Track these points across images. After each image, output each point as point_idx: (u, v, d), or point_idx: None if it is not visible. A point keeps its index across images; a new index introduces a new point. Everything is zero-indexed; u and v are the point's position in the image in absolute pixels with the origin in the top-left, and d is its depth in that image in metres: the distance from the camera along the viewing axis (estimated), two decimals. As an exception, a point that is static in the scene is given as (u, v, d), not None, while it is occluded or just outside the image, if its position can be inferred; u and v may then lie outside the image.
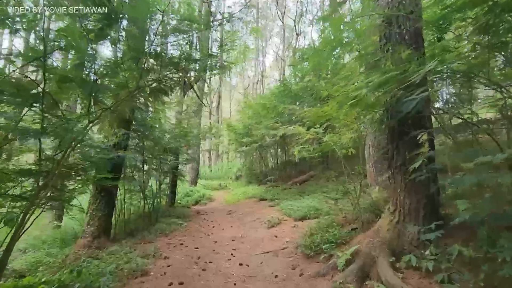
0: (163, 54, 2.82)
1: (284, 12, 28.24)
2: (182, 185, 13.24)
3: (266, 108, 11.75)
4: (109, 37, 2.43)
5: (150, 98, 2.93)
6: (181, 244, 5.17)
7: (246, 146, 12.17)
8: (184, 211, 8.57)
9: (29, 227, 2.48)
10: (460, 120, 4.07)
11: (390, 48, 3.50)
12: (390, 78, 2.40)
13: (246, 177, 15.51)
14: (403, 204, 3.31)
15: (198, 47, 3.27)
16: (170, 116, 10.58)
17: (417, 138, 3.22)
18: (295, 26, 27.23)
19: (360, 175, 5.02)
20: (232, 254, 4.47)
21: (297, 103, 9.50)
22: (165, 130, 7.44)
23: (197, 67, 3.21)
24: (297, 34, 26.91)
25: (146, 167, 7.06)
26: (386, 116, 3.65)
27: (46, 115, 2.15)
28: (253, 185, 13.08)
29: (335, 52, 9.49)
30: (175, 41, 2.86)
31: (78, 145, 2.72)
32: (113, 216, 5.44)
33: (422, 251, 2.98)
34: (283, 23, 28.85)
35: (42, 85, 2.52)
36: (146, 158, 6.67)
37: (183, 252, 4.70)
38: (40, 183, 2.43)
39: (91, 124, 2.40)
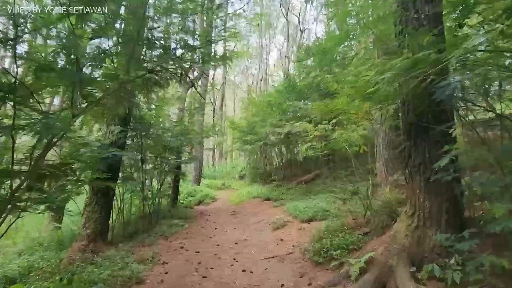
0: (155, 40, 2.54)
1: (288, 9, 27.87)
2: (185, 184, 13.03)
3: (270, 105, 11.45)
4: (93, 20, 2.16)
5: (143, 91, 2.66)
6: (182, 247, 4.91)
7: (250, 145, 11.88)
8: (187, 212, 8.33)
9: (4, 233, 2.23)
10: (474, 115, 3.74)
11: (406, 35, 3.18)
12: (420, 59, 2.06)
13: (250, 177, 15.22)
14: (422, 207, 2.99)
15: (198, 37, 2.97)
16: (171, 113, 10.35)
17: (440, 133, 2.92)
18: (299, 22, 26.84)
19: (372, 175, 4.70)
20: (235, 259, 4.20)
21: (302, 100, 9.17)
22: (166, 128, 7.18)
23: (196, 57, 2.91)
24: (301, 31, 26.50)
25: (146, 167, 6.82)
26: (403, 110, 3.33)
27: (19, 108, 1.90)
28: (257, 184, 12.79)
29: (342, 46, 9.16)
30: (167, 24, 2.56)
31: (60, 142, 2.47)
32: (111, 218, 5.20)
33: (446, 260, 2.66)
34: (287, 20, 28.47)
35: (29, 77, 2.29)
36: (146, 157, 6.42)
37: (183, 256, 4.43)
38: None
39: (74, 119, 2.14)
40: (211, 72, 25.84)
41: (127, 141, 5.97)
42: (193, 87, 8.22)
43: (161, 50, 2.55)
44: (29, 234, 6.75)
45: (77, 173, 3.31)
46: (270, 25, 32.35)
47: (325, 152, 4.30)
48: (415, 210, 3.05)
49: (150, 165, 7.04)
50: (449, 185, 2.82)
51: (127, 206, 6.48)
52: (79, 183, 3.27)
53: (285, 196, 8.63)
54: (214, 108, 27.97)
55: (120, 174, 6.23)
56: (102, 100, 2.27)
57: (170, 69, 2.66)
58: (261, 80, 32.63)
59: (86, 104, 2.21)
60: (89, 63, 2.20)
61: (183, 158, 8.76)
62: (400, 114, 3.45)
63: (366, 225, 3.96)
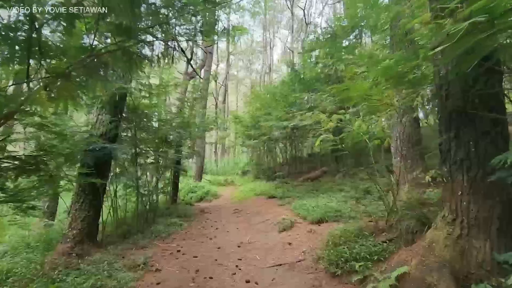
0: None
1: (293, 1, 27.10)
2: (186, 180, 12.59)
3: (275, 99, 10.92)
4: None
5: (125, 66, 2.14)
6: (178, 251, 4.42)
7: (253, 140, 11.37)
8: (187, 209, 7.86)
9: None
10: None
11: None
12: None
13: (253, 173, 14.76)
14: (466, 212, 2.46)
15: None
16: (171, 104, 9.84)
17: (490, 123, 2.39)
18: (304, 15, 26.11)
19: (391, 172, 4.17)
20: (237, 267, 3.70)
21: (310, 93, 8.62)
22: (164, 120, 6.68)
23: (189, 25, 2.37)
24: (307, 24, 25.74)
25: (143, 161, 6.34)
26: (440, 95, 2.78)
27: None
28: (261, 181, 12.33)
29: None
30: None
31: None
32: (100, 217, 4.71)
33: (502, 279, 2.13)
34: (292, 13, 27.75)
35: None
36: (141, 151, 5.92)
37: (180, 262, 3.95)
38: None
39: (28, 93, 1.64)
40: (213, 67, 25.28)
41: (120, 133, 5.50)
42: (193, 76, 7.66)
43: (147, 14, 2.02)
44: (18, 232, 6.32)
45: (55, 167, 2.82)
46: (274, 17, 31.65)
47: (341, 145, 3.74)
48: (457, 215, 2.52)
49: (147, 160, 6.56)
50: (503, 185, 2.28)
51: (123, 203, 6.01)
52: (52, 179, 2.77)
53: (290, 194, 8.13)
54: (216, 103, 27.49)
55: (115, 169, 5.77)
56: (68, 74, 1.76)
57: (158, 37, 2.13)
58: (265, 74, 32.03)
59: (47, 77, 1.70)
60: (54, 24, 1.69)
61: (183, 153, 8.27)
62: (436, 100, 2.90)
63: (390, 230, 3.42)
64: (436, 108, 2.93)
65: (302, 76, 9.27)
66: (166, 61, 2.60)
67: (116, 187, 5.40)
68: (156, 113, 6.14)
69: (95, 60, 1.97)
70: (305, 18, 26.19)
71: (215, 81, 24.67)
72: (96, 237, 4.56)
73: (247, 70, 39.04)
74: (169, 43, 2.30)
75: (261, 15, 30.89)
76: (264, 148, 13.65)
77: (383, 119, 3.71)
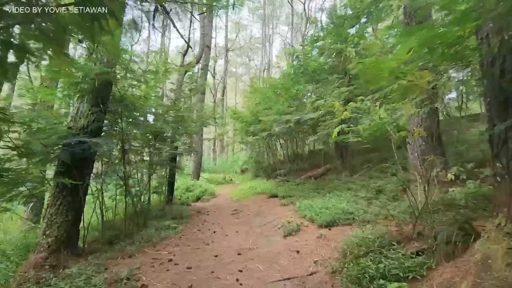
0: None
1: (293, -5, 26.41)
2: (183, 179, 12.06)
3: (275, 92, 10.33)
4: None
5: (89, 29, 1.55)
6: (170, 260, 3.87)
7: (253, 136, 10.81)
8: (182, 210, 7.30)
9: None
10: None
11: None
12: None
13: (252, 171, 14.20)
14: (534, 221, 1.92)
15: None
16: (168, 100, 9.27)
17: None
18: (304, 10, 25.49)
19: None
20: (237, 281, 3.15)
21: (315, 84, 8.03)
22: (157, 113, 6.10)
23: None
24: (307, 18, 25.10)
25: (133, 158, 5.76)
26: (492, 73, 2.23)
27: None
28: (261, 179, 11.80)
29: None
30: None
31: None
32: (82, 221, 4.14)
33: None
34: (292, 6, 27.08)
35: None
36: (130, 147, 5.34)
37: (170, 275, 3.39)
38: None
39: None
40: (211, 62, 24.60)
41: (108, 127, 4.92)
42: (193, 66, 7.04)
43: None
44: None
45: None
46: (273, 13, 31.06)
47: (360, 138, 3.20)
48: (520, 224, 1.98)
49: (138, 157, 5.98)
50: None
51: (112, 204, 5.43)
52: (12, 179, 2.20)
53: (293, 193, 7.60)
54: (215, 99, 26.88)
55: (102, 167, 5.20)
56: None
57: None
58: (264, 70, 31.40)
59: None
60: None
61: (179, 149, 7.70)
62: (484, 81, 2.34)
63: (420, 239, 2.87)
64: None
65: (303, 68, 8.63)
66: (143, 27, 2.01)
67: (102, 186, 4.83)
68: (148, 105, 5.54)
69: (46, 21, 1.40)
70: (305, 12, 25.58)
71: (213, 76, 24.03)
72: (76, 245, 3.99)
73: (245, 67, 38.41)
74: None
75: (260, 9, 30.34)
76: (264, 145, 13.12)
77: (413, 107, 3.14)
